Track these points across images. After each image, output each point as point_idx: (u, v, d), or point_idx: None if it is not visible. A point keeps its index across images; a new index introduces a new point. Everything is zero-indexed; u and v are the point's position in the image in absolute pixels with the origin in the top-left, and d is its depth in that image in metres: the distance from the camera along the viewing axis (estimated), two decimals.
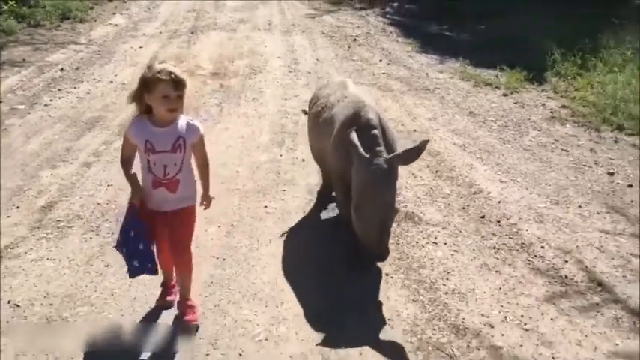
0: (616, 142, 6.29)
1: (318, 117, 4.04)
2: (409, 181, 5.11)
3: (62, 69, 8.47)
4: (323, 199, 4.65)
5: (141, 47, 9.91)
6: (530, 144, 6.13)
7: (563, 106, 7.34)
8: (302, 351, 3.09)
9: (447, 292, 3.62)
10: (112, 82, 7.95)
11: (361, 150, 3.33)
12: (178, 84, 2.79)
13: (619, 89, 7.42)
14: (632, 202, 4.88)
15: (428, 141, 3.35)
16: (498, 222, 4.48)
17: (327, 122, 3.84)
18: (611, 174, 5.45)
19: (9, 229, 4.24)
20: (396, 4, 14.25)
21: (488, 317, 3.39)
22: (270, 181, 5.12)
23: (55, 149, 5.72)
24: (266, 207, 4.66)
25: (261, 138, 6.11)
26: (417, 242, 4.18)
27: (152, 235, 3.04)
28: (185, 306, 3.22)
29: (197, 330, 3.14)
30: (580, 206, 4.80)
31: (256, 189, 4.96)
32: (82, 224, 4.33)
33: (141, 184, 2.98)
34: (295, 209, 4.62)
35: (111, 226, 4.23)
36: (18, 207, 4.59)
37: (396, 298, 3.56)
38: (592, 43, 8.79)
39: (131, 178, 2.96)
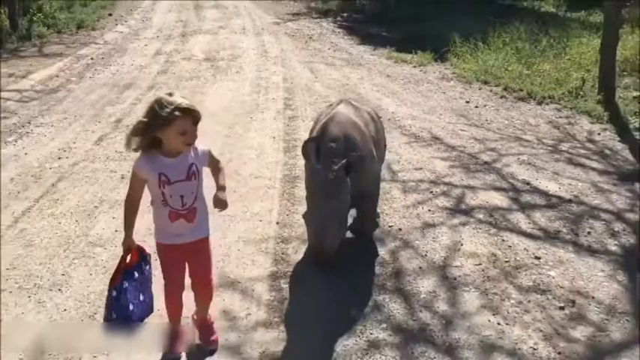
0: (480, 89, 9.55)
1: (310, 134, 4.19)
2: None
3: (92, 59, 11.43)
4: None
5: (146, 45, 12.92)
6: (421, 89, 9.36)
7: (453, 73, 10.61)
8: None
9: None
10: (132, 65, 10.95)
11: (313, 160, 3.55)
12: (196, 118, 2.75)
13: (492, 62, 10.72)
14: (469, 110, 8.10)
15: (358, 155, 3.67)
16: (389, 119, 7.61)
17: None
18: (468, 102, 8.68)
19: (99, 130, 7.20)
20: (345, 14, 17.58)
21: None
22: (253, 107, 8.18)
23: (109, 98, 8.68)
24: (251, 117, 7.71)
25: (244, 89, 9.18)
26: None
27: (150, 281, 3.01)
28: (204, 325, 3.26)
29: (216, 350, 3.22)
30: (441, 114, 8.00)
31: (244, 112, 8.00)
32: None
33: (153, 219, 2.96)
34: (269, 118, 7.67)
35: None
36: (99, 122, 7.54)
37: None
38: (482, 34, 12.09)
39: (130, 220, 2.90)
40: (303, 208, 4.14)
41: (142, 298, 2.86)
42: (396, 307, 3.67)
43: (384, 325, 3.49)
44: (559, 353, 3.26)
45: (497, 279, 3.99)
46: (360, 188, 3.78)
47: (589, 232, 4.70)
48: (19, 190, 5.39)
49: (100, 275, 3.98)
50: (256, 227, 4.69)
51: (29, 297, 3.76)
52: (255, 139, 6.88)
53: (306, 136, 6.03)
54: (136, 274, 2.87)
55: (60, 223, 4.76)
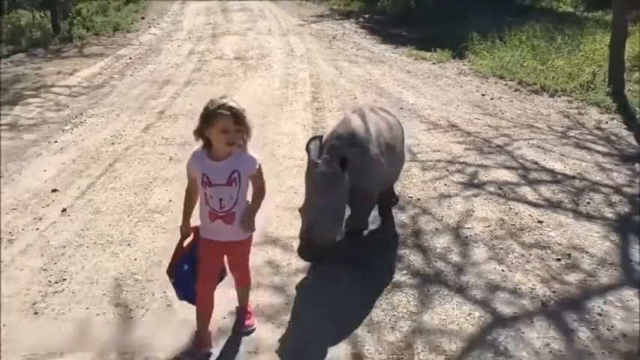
0: (495, 83, 10.12)
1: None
2: (366, 96, 8.90)
3: (130, 58, 12.22)
4: None
5: (179, 46, 13.71)
6: (440, 84, 9.96)
7: (470, 69, 11.19)
8: None
9: None
10: (167, 63, 11.71)
11: (312, 155, 3.68)
12: (238, 118, 2.84)
13: (508, 58, 11.28)
14: (484, 102, 8.68)
15: (358, 153, 3.77)
16: (409, 109, 8.23)
17: None
18: (483, 95, 9.26)
19: (145, 120, 7.92)
20: (367, 16, 18.23)
21: None
22: (283, 100, 8.85)
23: (150, 93, 9.43)
24: (282, 109, 8.38)
25: (274, 85, 9.86)
26: None
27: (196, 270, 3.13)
28: (244, 313, 3.41)
29: (252, 332, 3.38)
30: (458, 105, 8.59)
31: (275, 104, 8.66)
32: (185, 114, 8.03)
33: (199, 214, 3.11)
34: (298, 110, 8.33)
35: None
36: (144, 113, 8.27)
37: None
38: (499, 33, 12.63)
39: (187, 209, 3.13)
40: None
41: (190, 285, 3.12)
42: (415, 259, 4.29)
43: (405, 272, 4.13)
44: (553, 292, 3.86)
45: (503, 238, 4.60)
46: (359, 187, 3.81)
47: (588, 203, 5.28)
48: (82, 170, 6.11)
49: (161, 235, 4.67)
50: (292, 198, 5.34)
51: (104, 250, 4.45)
52: (287, 127, 7.54)
53: (332, 124, 6.72)
54: (195, 255, 3.10)
55: (121, 195, 5.46)
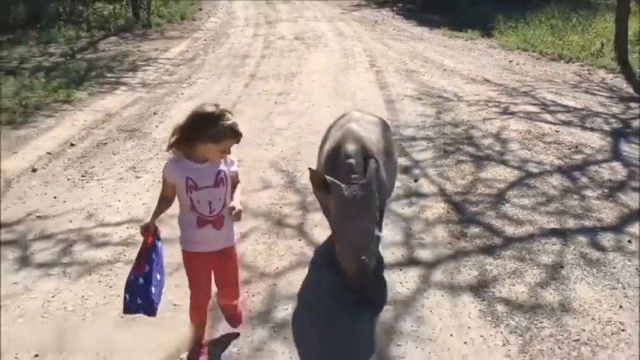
0: (520, 54, 12.14)
1: (320, 151, 4.01)
2: (414, 63, 10.97)
3: (205, 40, 14.42)
4: None
5: (242, 30, 15.89)
6: (473, 54, 12.01)
7: (498, 44, 13.22)
8: None
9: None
10: (239, 43, 13.89)
11: (336, 180, 3.28)
12: (239, 140, 2.78)
13: (530, 35, 13.29)
14: (512, 66, 10.72)
15: (376, 163, 3.45)
16: (451, 70, 10.30)
17: (321, 157, 3.88)
18: (510, 61, 11.29)
19: (241, 80, 10.07)
20: (400, 4, 20.31)
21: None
22: (347, 66, 10.94)
23: (236, 63, 11.57)
24: (348, 72, 10.48)
25: (335, 56, 11.96)
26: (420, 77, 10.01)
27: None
28: (232, 308, 3.22)
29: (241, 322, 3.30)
30: (490, 68, 10.63)
31: (341, 69, 10.76)
32: (271, 77, 10.16)
33: (180, 225, 2.92)
34: (361, 72, 10.40)
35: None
36: (238, 76, 10.42)
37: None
38: (523, 15, 14.62)
39: (158, 211, 2.85)
40: (398, 107, 6.88)
41: (158, 277, 2.81)
42: (469, 149, 6.36)
43: (463, 155, 6.20)
44: (565, 163, 5.90)
45: (530, 139, 6.64)
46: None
47: (592, 122, 7.31)
48: None
49: (290, 140, 6.76)
50: None
51: (259, 145, 6.54)
52: (355, 82, 9.63)
53: (391, 81, 8.83)
54: (154, 255, 2.78)
55: (251, 122, 7.57)
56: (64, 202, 5.12)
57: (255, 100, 8.66)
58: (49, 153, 6.33)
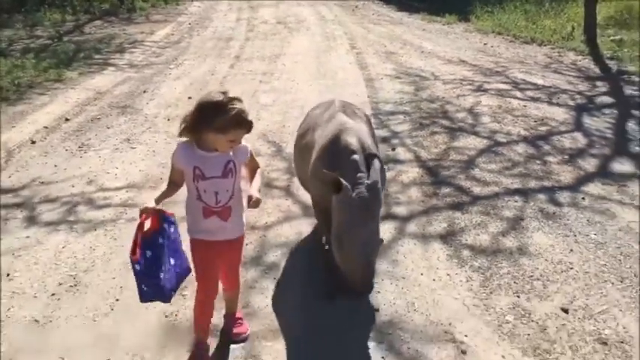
0: (495, 37, 12.62)
1: (302, 138, 3.85)
2: (393, 45, 11.40)
3: (189, 24, 14.70)
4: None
5: (225, 15, 16.19)
6: (450, 37, 12.47)
7: (474, 28, 13.70)
8: None
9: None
10: (223, 27, 14.20)
11: (342, 180, 3.04)
12: (250, 129, 2.62)
13: (505, 20, 13.79)
14: (486, 48, 11.20)
15: (380, 162, 3.29)
16: (429, 52, 10.74)
17: (309, 146, 3.65)
18: (485, 44, 11.77)
19: (226, 61, 10.42)
20: None
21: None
22: (328, 48, 11.32)
23: (221, 45, 11.90)
24: (329, 54, 10.87)
25: (317, 39, 12.33)
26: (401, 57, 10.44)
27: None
28: (233, 320, 3.15)
29: (246, 341, 3.13)
30: (465, 50, 11.09)
31: (323, 51, 11.14)
32: (256, 58, 10.52)
33: (186, 211, 2.80)
34: (342, 54, 10.80)
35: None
36: (223, 57, 10.76)
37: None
38: (499, 1, 15.13)
39: (161, 196, 2.68)
40: (378, 86, 7.32)
41: (172, 262, 2.68)
42: (444, 122, 6.82)
43: (438, 127, 6.66)
44: (531, 134, 6.39)
45: (500, 113, 7.12)
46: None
47: (558, 98, 7.81)
48: (201, 88, 8.59)
49: (275, 115, 7.15)
50: (354, 100, 7.85)
51: (260, 112, 6.93)
52: (337, 63, 10.02)
53: (371, 62, 9.24)
54: (160, 240, 2.62)
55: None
56: (65, 169, 5.46)
57: (240, 79, 9.01)
58: (45, 127, 6.64)
